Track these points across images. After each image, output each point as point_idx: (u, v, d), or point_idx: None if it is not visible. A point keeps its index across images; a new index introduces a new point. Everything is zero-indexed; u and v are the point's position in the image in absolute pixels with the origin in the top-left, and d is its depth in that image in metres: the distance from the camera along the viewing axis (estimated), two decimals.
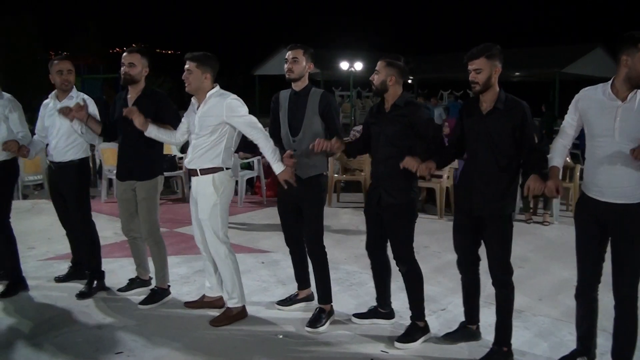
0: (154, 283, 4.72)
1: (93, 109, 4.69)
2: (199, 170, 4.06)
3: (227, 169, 4.12)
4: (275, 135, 4.17)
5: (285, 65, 4.05)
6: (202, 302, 4.49)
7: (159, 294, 4.60)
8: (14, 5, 33.46)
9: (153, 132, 4.25)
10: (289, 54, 4.05)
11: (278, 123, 4.18)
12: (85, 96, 4.72)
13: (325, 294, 4.23)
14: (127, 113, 4.22)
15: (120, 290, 4.79)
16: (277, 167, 3.96)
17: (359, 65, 18.57)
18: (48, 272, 5.33)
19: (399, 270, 3.93)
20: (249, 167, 9.31)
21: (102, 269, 4.91)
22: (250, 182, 9.65)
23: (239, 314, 4.19)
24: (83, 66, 26.70)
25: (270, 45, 29.64)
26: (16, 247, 4.82)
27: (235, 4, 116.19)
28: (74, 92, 4.73)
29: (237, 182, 8.91)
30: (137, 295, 4.70)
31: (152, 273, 4.79)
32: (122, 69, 4.39)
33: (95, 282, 4.78)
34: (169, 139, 4.38)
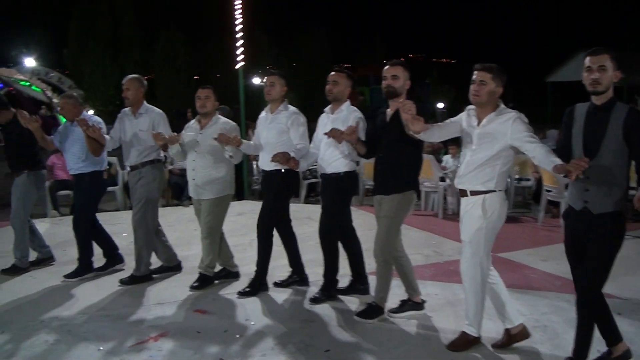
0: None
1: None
2: (469, 191, 3.86)
3: (500, 191, 3.84)
4: (564, 155, 3.51)
5: (589, 76, 3.35)
6: (510, 338, 4.03)
7: (375, 311, 4.50)
8: (311, 21, 36.70)
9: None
10: (592, 61, 3.35)
11: (569, 141, 3.55)
12: (358, 115, 4.68)
13: (614, 337, 3.56)
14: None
15: (391, 311, 4.58)
16: (553, 162, 3.39)
17: None
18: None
19: None
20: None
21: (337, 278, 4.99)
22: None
23: (475, 340, 4.00)
24: (371, 76, 27.89)
25: (565, 49, 27.53)
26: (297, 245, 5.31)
27: (523, 7, 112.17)
28: (345, 105, 4.77)
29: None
30: (408, 318, 4.52)
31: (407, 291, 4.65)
32: (384, 82, 4.33)
33: (329, 289, 4.90)
34: None
